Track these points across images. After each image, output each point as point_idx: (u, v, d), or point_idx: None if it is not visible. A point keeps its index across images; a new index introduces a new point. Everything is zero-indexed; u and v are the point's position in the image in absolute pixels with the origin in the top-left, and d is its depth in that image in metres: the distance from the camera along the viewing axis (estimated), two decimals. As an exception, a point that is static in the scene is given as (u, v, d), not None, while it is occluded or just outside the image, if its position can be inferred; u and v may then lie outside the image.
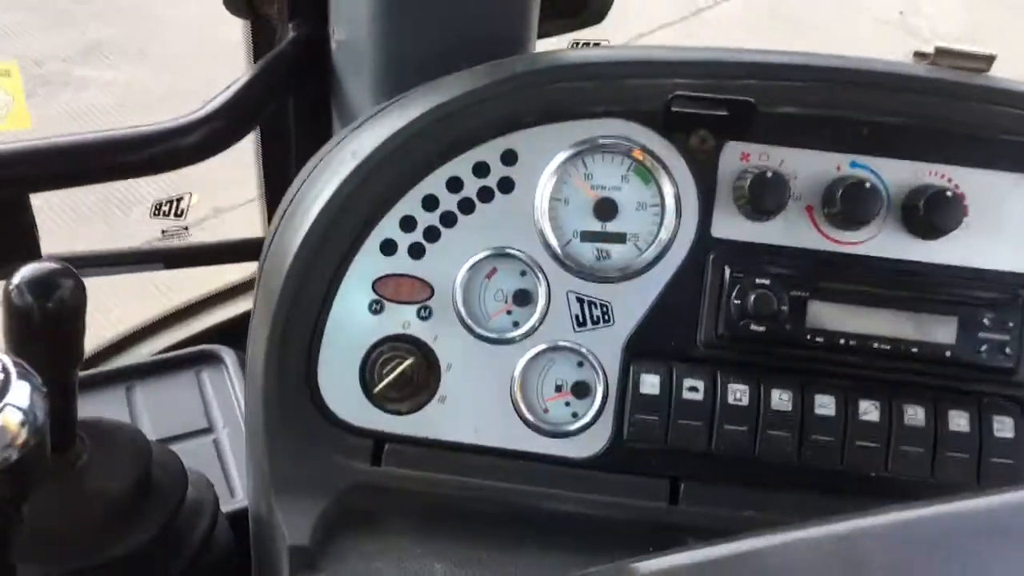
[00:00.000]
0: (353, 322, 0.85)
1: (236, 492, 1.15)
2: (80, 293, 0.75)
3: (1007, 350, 0.83)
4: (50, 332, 0.73)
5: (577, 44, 1.08)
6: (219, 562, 0.94)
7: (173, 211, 1.15)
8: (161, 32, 4.18)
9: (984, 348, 0.83)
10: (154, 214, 1.15)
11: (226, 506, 1.07)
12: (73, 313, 0.74)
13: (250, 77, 1.00)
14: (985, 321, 0.83)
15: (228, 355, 1.31)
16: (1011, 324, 0.83)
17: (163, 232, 1.15)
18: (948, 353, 0.83)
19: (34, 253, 0.98)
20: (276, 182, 1.24)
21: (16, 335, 0.72)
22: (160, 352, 1.37)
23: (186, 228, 1.16)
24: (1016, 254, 0.85)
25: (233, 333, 1.38)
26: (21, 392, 0.57)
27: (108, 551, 0.85)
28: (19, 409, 0.57)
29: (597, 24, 1.16)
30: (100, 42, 4.11)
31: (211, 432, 1.22)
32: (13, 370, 0.59)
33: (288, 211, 0.89)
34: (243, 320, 1.35)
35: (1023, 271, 0.85)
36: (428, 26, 0.95)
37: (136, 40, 4.14)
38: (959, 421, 0.83)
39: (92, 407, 1.04)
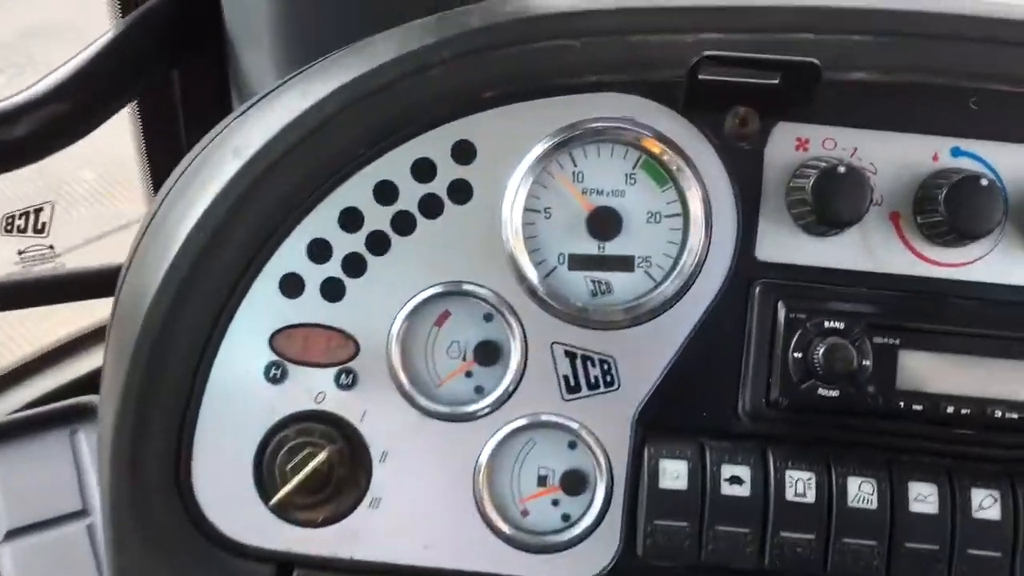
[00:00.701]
0: (243, 394, 0.61)
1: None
2: None
3: None
4: None
5: None
6: None
7: (31, 225, 0.87)
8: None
9: None
10: (6, 230, 0.87)
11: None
12: None
13: (107, 43, 0.73)
14: None
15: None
16: None
17: (20, 253, 0.87)
18: None
19: None
20: (163, 177, 0.97)
21: None
22: (22, 408, 1.11)
23: (51, 247, 0.88)
24: None
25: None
26: None
27: None
28: None
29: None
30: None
31: (85, 516, 0.95)
32: None
33: (148, 231, 0.62)
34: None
35: None
36: None
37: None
38: None
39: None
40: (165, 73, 0.84)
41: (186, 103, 0.87)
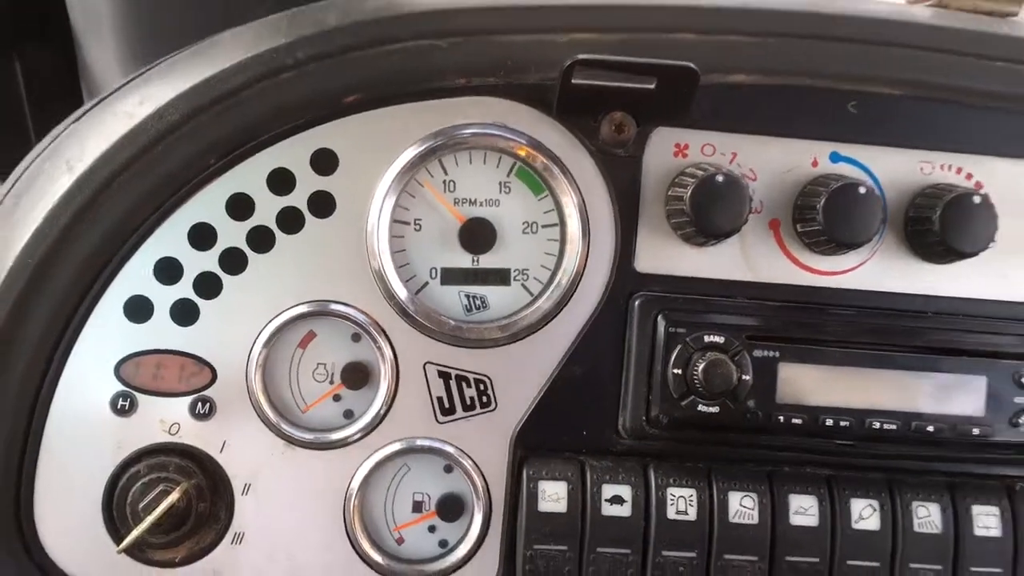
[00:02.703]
0: (88, 430, 0.57)
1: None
2: None
3: None
4: None
5: None
6: None
7: None
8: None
9: (1023, 420, 0.58)
10: None
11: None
12: None
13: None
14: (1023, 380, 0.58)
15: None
16: None
17: None
18: (975, 430, 0.58)
19: None
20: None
21: None
22: None
23: None
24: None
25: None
26: None
27: None
28: None
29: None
30: None
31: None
32: None
33: None
34: None
35: None
36: None
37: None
38: (987, 521, 0.60)
39: None
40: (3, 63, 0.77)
41: (31, 92, 0.80)
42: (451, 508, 0.59)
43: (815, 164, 0.59)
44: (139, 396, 0.56)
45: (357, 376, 0.58)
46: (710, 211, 0.56)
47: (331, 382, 0.58)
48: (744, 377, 0.57)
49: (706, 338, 0.57)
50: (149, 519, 0.54)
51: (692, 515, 0.58)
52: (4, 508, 0.55)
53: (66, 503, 0.56)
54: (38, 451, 0.55)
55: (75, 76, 0.78)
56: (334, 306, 0.57)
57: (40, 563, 0.56)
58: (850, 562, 0.59)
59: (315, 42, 0.54)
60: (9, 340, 0.54)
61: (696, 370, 0.57)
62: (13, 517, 0.56)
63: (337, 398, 0.58)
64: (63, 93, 0.79)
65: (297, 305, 0.56)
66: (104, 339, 0.55)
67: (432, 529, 0.60)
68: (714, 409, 0.57)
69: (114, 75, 0.69)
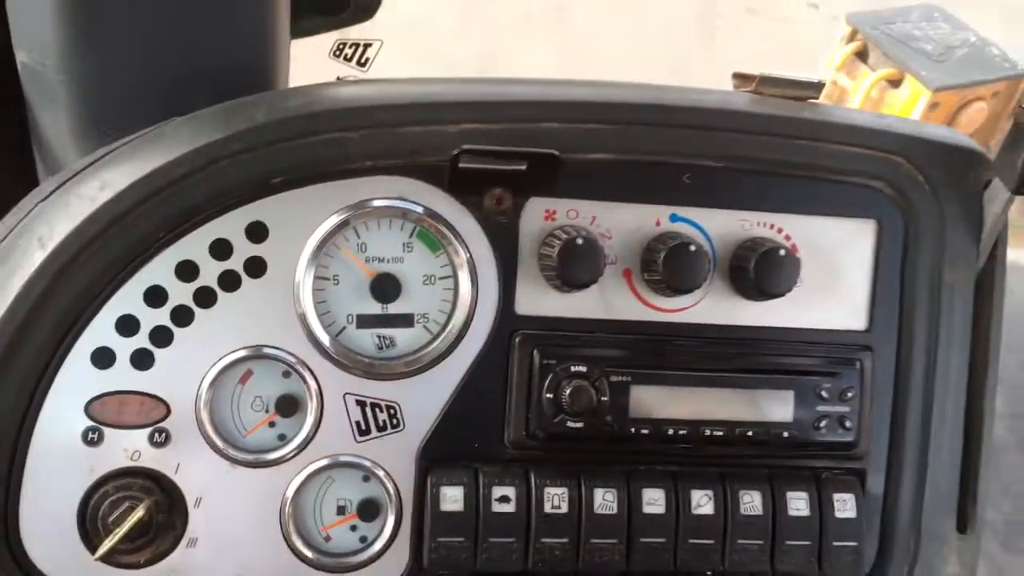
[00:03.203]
0: (63, 457, 0.67)
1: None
2: None
3: (847, 423, 0.74)
4: None
5: (340, 78, 0.89)
6: None
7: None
8: None
9: (823, 423, 0.74)
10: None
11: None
12: None
13: None
14: (823, 393, 0.74)
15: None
16: (850, 394, 0.74)
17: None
18: (785, 433, 0.73)
19: None
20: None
21: None
22: None
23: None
24: (851, 311, 0.76)
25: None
26: None
27: None
28: None
29: (366, 21, 0.97)
30: None
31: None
32: None
33: None
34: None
35: (859, 329, 0.76)
36: (133, 57, 0.73)
37: None
38: (798, 504, 0.75)
39: None
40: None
41: None
42: (369, 511, 0.71)
43: (658, 224, 0.73)
44: (106, 429, 0.66)
45: (288, 406, 0.69)
46: (573, 267, 0.69)
47: (267, 411, 0.69)
48: (603, 399, 0.71)
49: (572, 368, 0.71)
50: (119, 532, 0.65)
51: (564, 509, 0.71)
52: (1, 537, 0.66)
53: (47, 519, 0.66)
54: (22, 476, 0.65)
55: (25, 137, 0.87)
56: (267, 349, 0.68)
57: (27, 571, 0.66)
58: (691, 540, 0.73)
59: (246, 137, 0.66)
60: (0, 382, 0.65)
61: (564, 394, 0.70)
62: (3, 532, 0.66)
63: (272, 424, 0.69)
64: (16, 172, 0.88)
65: (237, 350, 0.68)
66: (75, 383, 0.65)
67: (354, 528, 0.71)
68: (580, 425, 0.71)
69: (65, 144, 0.78)
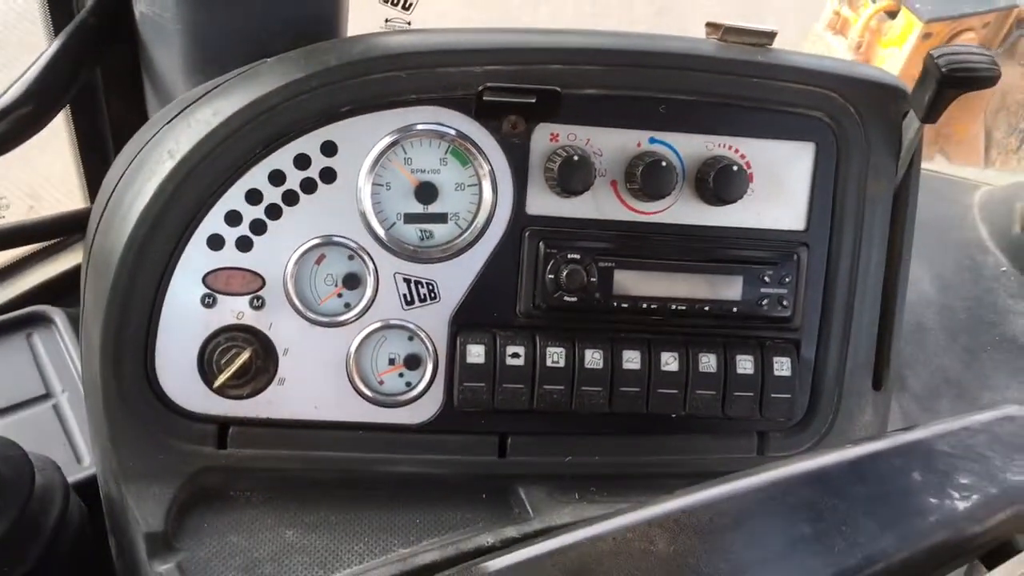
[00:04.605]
0: (186, 316, 0.88)
1: (83, 458, 1.16)
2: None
3: (784, 302, 0.95)
4: None
5: (388, 20, 1.08)
6: (74, 539, 0.97)
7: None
8: None
9: (765, 302, 0.94)
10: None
11: (74, 475, 1.09)
12: None
13: (54, 53, 0.96)
14: (766, 278, 0.94)
15: (58, 316, 1.28)
16: (788, 279, 0.94)
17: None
18: (735, 308, 0.94)
19: None
20: (92, 153, 1.20)
21: None
22: None
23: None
24: (793, 215, 0.96)
25: (60, 291, 1.35)
26: None
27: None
28: None
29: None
30: None
31: (50, 397, 1.21)
32: None
33: (109, 208, 0.88)
34: (69, 277, 1.33)
35: (798, 229, 0.96)
36: (234, 9, 0.93)
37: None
38: (745, 364, 0.95)
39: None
40: (93, 74, 1.06)
41: (109, 97, 1.09)
42: (413, 362, 0.92)
43: (639, 145, 0.92)
44: (218, 296, 0.87)
45: (352, 281, 0.89)
46: (571, 177, 0.89)
47: (335, 285, 0.89)
48: (592, 279, 0.92)
49: (568, 255, 0.91)
50: (229, 371, 0.88)
51: (561, 363, 0.92)
52: (139, 367, 0.87)
53: (175, 360, 0.87)
54: (157, 329, 0.86)
55: (140, 83, 1.07)
56: (336, 238, 0.88)
57: (160, 397, 0.87)
58: (660, 390, 0.93)
59: (322, 76, 0.85)
60: (137, 267, 0.84)
61: (562, 276, 0.90)
62: (143, 369, 0.88)
63: (340, 295, 0.89)
64: (130, 101, 1.09)
65: (314, 238, 0.89)
66: (195, 261, 0.86)
67: (401, 375, 0.92)
68: (574, 299, 0.92)
69: (176, 79, 0.99)
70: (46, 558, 0.93)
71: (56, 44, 0.96)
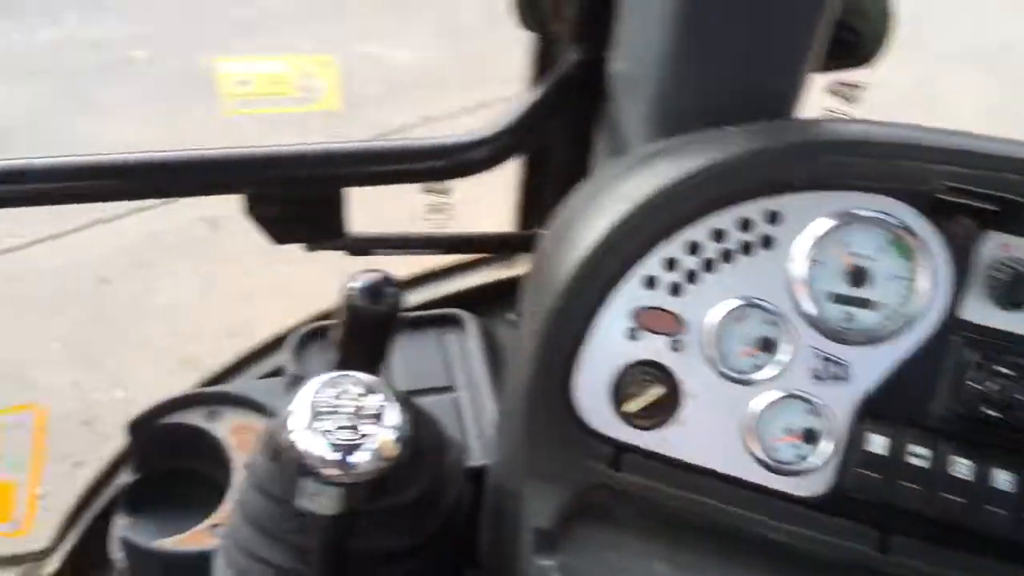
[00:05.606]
0: (611, 343, 0.97)
1: (471, 451, 1.30)
2: (398, 298, 0.90)
3: None
4: (374, 331, 0.89)
5: (828, 110, 1.12)
6: (463, 522, 1.09)
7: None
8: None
9: None
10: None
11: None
12: (393, 315, 0.89)
13: (538, 97, 1.11)
14: None
15: (470, 321, 1.46)
16: None
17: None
18: None
19: (340, 233, 1.14)
20: (532, 190, 1.36)
21: (349, 334, 0.88)
22: (406, 310, 1.50)
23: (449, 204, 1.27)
24: None
25: (474, 300, 1.53)
26: (393, 412, 0.71)
27: (380, 501, 1.01)
28: (395, 428, 0.70)
29: (864, 68, 1.20)
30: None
31: (451, 391, 1.37)
32: (384, 391, 0.73)
33: (558, 237, 1.00)
34: (482, 290, 1.50)
35: None
36: (708, 66, 1.01)
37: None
38: None
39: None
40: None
41: (560, 143, 1.24)
42: (810, 437, 0.93)
43: None
44: (641, 331, 0.94)
45: (767, 345, 0.93)
46: (1020, 291, 0.88)
47: (750, 346, 0.93)
48: (1017, 397, 0.88)
49: (998, 368, 0.88)
50: (641, 399, 0.95)
51: (970, 477, 0.88)
52: (561, 379, 0.97)
53: (591, 382, 0.96)
54: (582, 350, 0.96)
55: (588, 135, 1.21)
56: (763, 302, 0.92)
57: (573, 413, 0.96)
58: None
59: (783, 150, 0.92)
60: (575, 297, 0.94)
61: (989, 388, 0.87)
62: (563, 384, 0.97)
63: (752, 356, 0.93)
64: (577, 150, 1.23)
65: (740, 297, 0.93)
66: (627, 297, 0.94)
67: (795, 447, 0.93)
68: (997, 414, 0.87)
69: (635, 132, 1.11)
70: (445, 525, 1.06)
71: (540, 90, 1.12)
